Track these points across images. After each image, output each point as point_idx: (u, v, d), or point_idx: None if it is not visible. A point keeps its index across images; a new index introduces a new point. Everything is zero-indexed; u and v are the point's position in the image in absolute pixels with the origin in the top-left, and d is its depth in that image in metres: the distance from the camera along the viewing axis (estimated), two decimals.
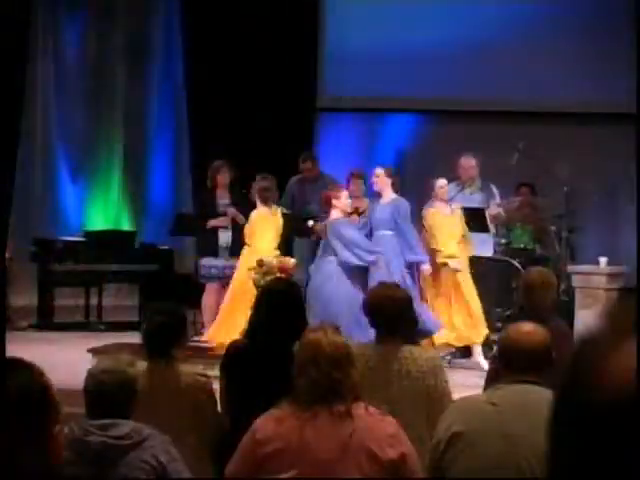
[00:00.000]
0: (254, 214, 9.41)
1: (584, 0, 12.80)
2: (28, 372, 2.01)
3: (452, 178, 10.33)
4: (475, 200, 9.83)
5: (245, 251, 9.33)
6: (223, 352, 5.13)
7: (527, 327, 3.60)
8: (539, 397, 3.28)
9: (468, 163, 10.06)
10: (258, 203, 9.49)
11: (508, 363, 3.50)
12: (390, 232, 9.05)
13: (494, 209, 9.88)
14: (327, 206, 9.16)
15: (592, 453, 1.02)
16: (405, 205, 9.20)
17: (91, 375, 3.82)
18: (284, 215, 9.68)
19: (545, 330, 3.59)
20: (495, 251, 10.13)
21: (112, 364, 3.83)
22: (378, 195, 9.42)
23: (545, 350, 3.46)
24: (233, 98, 12.67)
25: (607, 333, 1.06)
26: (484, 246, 9.79)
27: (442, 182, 9.52)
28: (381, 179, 9.35)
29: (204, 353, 8.15)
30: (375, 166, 9.86)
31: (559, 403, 1.08)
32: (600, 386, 1.02)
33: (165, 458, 3.72)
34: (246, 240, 9.36)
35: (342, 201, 9.08)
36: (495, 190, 10.12)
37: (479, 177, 10.11)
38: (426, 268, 9.04)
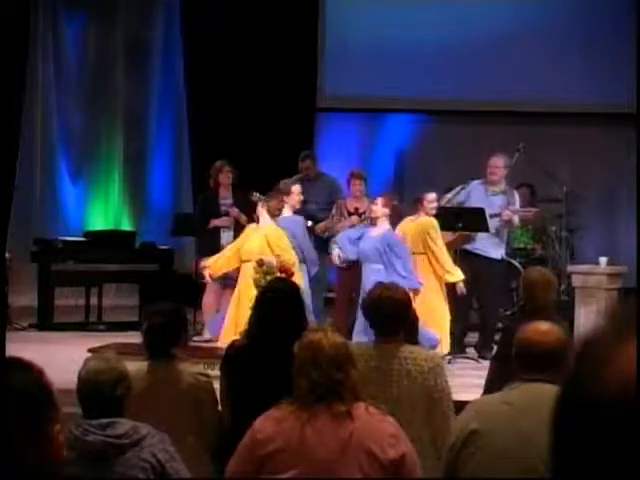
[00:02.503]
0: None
1: (584, 1, 12.81)
2: (28, 372, 2.01)
3: (455, 178, 10.33)
4: (495, 203, 9.68)
5: None
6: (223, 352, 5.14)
7: (544, 326, 3.59)
8: (552, 395, 3.27)
9: (495, 163, 9.89)
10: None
11: (524, 362, 3.49)
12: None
13: (507, 214, 9.70)
14: None
15: (594, 453, 1.02)
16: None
17: (85, 378, 3.81)
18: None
19: (561, 329, 3.59)
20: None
21: (104, 364, 3.83)
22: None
23: (561, 349, 3.46)
24: (233, 98, 12.68)
25: (609, 333, 1.06)
26: (496, 250, 9.71)
27: (431, 197, 9.36)
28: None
29: (204, 353, 8.13)
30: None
31: (561, 403, 1.08)
32: (602, 386, 1.02)
33: (163, 457, 3.73)
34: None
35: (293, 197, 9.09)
36: (517, 197, 10.00)
37: (504, 180, 9.97)
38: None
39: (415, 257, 8.97)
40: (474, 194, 9.75)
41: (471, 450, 3.38)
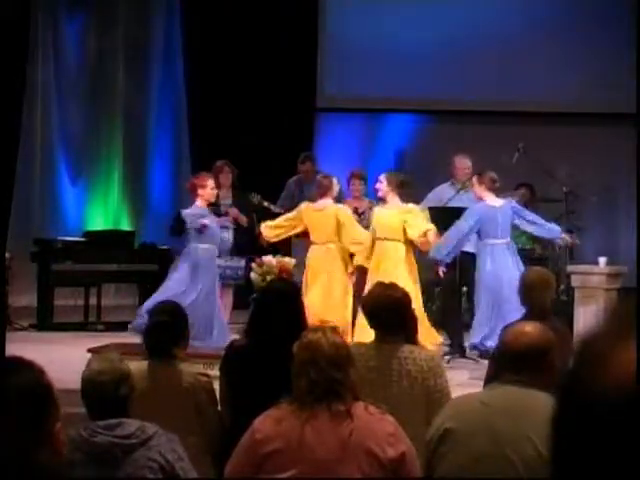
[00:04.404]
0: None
1: (585, 1, 12.82)
2: (29, 371, 2.02)
3: (449, 178, 10.37)
4: (472, 199, 9.75)
5: None
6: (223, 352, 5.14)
7: (527, 327, 3.57)
8: (529, 399, 3.27)
9: (463, 164, 10.09)
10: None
11: (504, 362, 3.49)
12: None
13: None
14: (192, 194, 8.99)
15: (594, 453, 1.02)
16: None
17: (88, 379, 3.81)
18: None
19: (546, 330, 3.56)
20: None
21: (106, 365, 3.83)
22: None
23: (539, 351, 3.41)
24: (233, 98, 12.68)
25: (608, 332, 1.06)
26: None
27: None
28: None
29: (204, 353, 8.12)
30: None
31: (561, 403, 1.08)
32: (601, 386, 1.02)
33: (172, 457, 3.72)
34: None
35: (207, 191, 8.98)
36: None
37: (471, 178, 10.06)
38: None
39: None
40: (445, 196, 9.86)
41: (445, 449, 3.37)
